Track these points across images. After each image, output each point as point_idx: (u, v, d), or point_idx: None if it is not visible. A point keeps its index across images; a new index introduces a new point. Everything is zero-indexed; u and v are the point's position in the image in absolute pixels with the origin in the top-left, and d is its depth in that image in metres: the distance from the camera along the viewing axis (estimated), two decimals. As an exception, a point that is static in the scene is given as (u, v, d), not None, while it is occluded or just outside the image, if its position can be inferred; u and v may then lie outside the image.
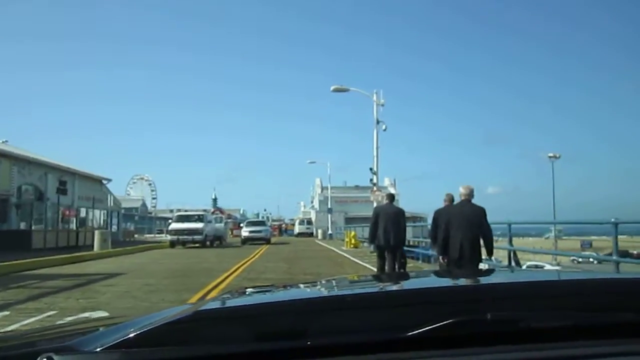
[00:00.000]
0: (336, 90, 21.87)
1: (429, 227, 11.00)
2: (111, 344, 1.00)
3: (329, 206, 48.58)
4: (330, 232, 45.53)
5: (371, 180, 21.47)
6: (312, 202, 77.32)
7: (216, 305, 1.33)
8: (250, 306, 1.33)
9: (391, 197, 11.38)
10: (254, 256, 19.24)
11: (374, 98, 21.84)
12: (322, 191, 65.52)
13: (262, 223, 37.85)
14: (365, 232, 30.98)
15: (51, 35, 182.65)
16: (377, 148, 21.71)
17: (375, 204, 21.69)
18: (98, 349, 1.00)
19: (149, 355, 0.98)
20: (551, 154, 48.18)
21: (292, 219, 79.33)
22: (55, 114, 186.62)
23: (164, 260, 17.94)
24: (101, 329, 1.28)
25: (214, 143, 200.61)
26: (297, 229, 54.84)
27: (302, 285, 1.74)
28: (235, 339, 1.03)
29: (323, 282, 1.79)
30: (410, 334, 1.00)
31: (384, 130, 21.65)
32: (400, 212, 10.78)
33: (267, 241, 32.23)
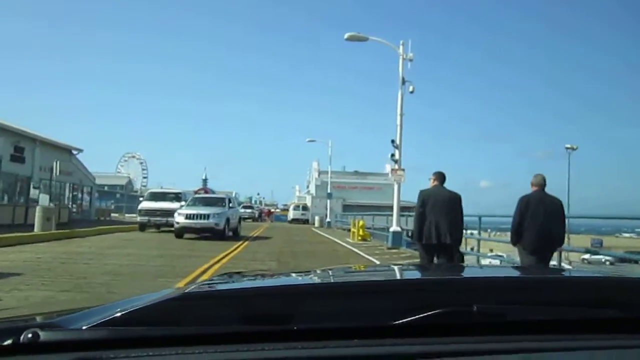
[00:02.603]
0: (352, 39, 16.92)
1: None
2: (98, 322, 0.99)
3: (329, 191, 43.60)
4: (328, 219, 40.77)
5: (392, 155, 16.57)
6: (307, 186, 72.48)
7: (205, 287, 1.33)
8: (239, 289, 1.33)
9: (442, 177, 7.52)
10: (235, 249, 14.39)
11: (400, 51, 16.97)
12: (319, 175, 60.63)
13: (216, 201, 20.54)
14: (377, 221, 26.48)
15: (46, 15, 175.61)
16: (401, 115, 16.86)
17: (395, 187, 16.95)
18: (84, 327, 0.98)
19: (136, 334, 0.97)
20: (568, 145, 45.20)
21: (285, 204, 75.60)
22: (54, 96, 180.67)
23: (113, 249, 13.14)
24: (88, 309, 1.18)
25: (210, 125, 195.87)
26: (291, 214, 50.04)
27: (293, 274, 1.71)
28: (223, 320, 1.03)
29: (317, 271, 1.76)
30: (397, 322, 1.01)
31: (411, 92, 16.80)
32: (457, 199, 7.43)
33: (221, 236, 17.96)
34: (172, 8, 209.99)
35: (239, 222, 21.70)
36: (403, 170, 16.61)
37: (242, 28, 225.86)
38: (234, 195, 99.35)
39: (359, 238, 21.22)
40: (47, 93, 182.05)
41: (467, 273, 1.81)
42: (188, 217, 18.39)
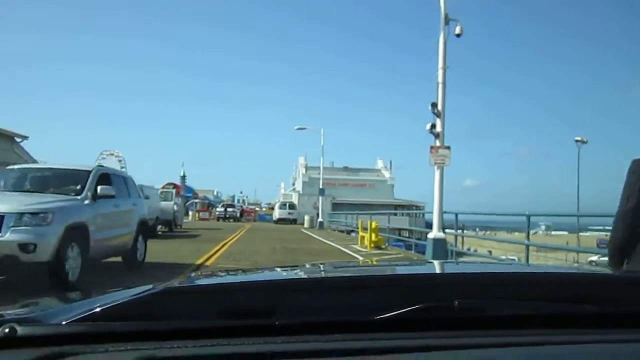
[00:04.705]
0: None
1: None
2: (78, 316, 0.97)
3: (321, 186, 38.11)
4: (320, 219, 35.46)
5: (432, 127, 11.33)
6: (293, 184, 67.02)
7: (186, 282, 1.30)
8: (220, 284, 1.32)
9: None
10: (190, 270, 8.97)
11: (441, -23, 11.71)
12: (306, 171, 55.24)
13: (52, 181, 7.81)
14: (393, 222, 21.01)
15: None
16: (444, 69, 11.58)
17: (437, 174, 11.61)
18: (64, 322, 0.96)
19: (116, 328, 0.95)
20: (578, 138, 40.78)
21: (269, 203, 70.70)
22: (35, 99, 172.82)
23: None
24: (68, 303, 1.19)
25: (192, 124, 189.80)
26: (277, 214, 44.61)
27: (277, 268, 1.69)
28: (203, 315, 1.01)
29: (301, 265, 1.77)
30: (379, 317, 1.00)
31: (458, 35, 11.59)
32: None
33: (56, 276, 6.30)
34: (155, 11, 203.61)
35: (141, 233, 9.37)
36: (447, 148, 11.32)
37: (231, 31, 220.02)
38: (215, 193, 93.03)
39: (372, 245, 15.97)
40: (27, 97, 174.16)
41: (449, 268, 1.82)
42: None
